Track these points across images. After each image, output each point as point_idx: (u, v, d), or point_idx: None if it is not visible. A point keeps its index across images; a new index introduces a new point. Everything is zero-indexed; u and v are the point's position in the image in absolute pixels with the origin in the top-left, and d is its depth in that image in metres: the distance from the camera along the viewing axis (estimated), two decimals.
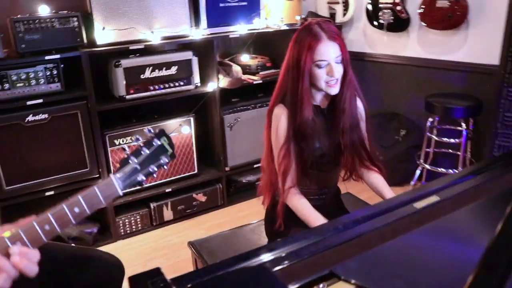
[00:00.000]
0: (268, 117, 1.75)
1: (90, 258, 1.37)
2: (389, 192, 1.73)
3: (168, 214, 3.04)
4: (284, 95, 1.69)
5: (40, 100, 2.51)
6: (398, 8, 3.21)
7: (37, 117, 2.51)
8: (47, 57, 2.48)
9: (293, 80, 1.64)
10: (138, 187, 2.86)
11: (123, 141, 2.79)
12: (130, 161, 1.13)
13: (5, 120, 2.45)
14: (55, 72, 2.52)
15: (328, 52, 1.59)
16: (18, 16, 2.42)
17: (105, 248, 2.82)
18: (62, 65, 2.54)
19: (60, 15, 2.49)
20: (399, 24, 3.27)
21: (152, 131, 1.18)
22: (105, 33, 2.62)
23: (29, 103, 2.49)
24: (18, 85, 2.45)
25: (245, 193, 3.32)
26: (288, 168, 1.66)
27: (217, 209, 3.22)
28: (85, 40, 2.58)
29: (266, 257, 1.06)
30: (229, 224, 2.67)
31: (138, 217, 2.95)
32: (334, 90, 1.64)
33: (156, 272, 0.97)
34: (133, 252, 2.78)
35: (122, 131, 2.79)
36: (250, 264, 1.04)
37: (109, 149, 2.76)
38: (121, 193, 1.11)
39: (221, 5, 2.95)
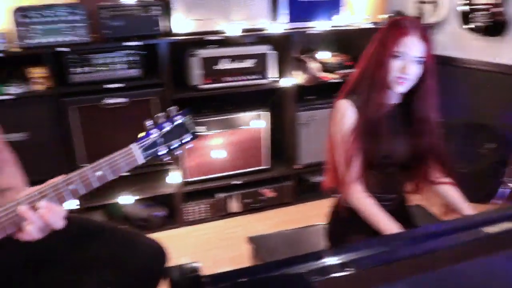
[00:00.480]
0: (333, 108, 1.68)
1: (135, 242, 1.39)
2: (468, 208, 1.60)
3: (234, 206, 3.05)
4: (355, 89, 1.61)
5: (121, 84, 2.61)
6: (497, 10, 2.96)
7: (116, 100, 2.61)
8: (128, 43, 2.56)
9: (370, 70, 1.57)
10: (204, 177, 2.91)
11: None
12: (151, 132, 1.16)
13: (88, 101, 2.59)
14: (135, 58, 2.61)
15: (411, 48, 1.50)
16: (104, 3, 2.53)
17: (170, 233, 2.89)
18: (144, 52, 2.62)
19: (143, 3, 2.57)
20: (495, 27, 3.02)
21: (176, 109, 1.21)
22: (184, 23, 2.66)
23: (109, 86, 2.60)
24: (101, 68, 2.57)
25: (314, 193, 3.24)
26: (352, 158, 1.57)
27: (284, 206, 3.17)
28: (164, 29, 2.64)
29: (314, 264, 1.01)
30: (294, 223, 2.62)
31: (204, 206, 2.98)
32: (401, 88, 1.54)
33: (194, 268, 0.95)
34: (195, 240, 2.82)
35: (195, 120, 2.81)
36: (295, 269, 1.00)
37: None
38: (140, 162, 1.14)
39: None
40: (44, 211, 1.04)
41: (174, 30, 2.68)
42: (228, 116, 2.88)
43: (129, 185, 2.85)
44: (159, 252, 1.38)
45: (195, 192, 2.95)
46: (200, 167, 2.91)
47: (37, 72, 2.53)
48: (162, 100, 2.69)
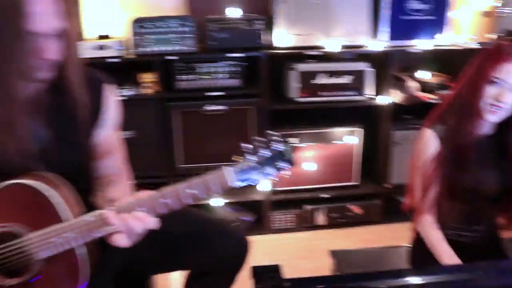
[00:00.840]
0: (418, 134, 1.66)
1: (223, 229, 1.48)
2: None
3: (320, 219, 3.07)
4: (444, 115, 1.58)
5: (221, 93, 2.77)
6: None
7: (215, 107, 2.77)
8: (230, 55, 2.71)
9: (464, 94, 1.53)
10: (293, 187, 2.97)
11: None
12: (247, 158, 1.16)
13: (190, 106, 2.78)
14: (236, 69, 2.75)
15: (511, 75, 1.43)
16: (212, 16, 2.71)
17: (255, 238, 2.95)
18: (245, 63, 2.76)
19: (247, 17, 2.72)
20: None
21: (275, 134, 1.19)
22: (285, 37, 2.76)
23: (211, 94, 2.76)
24: (204, 77, 2.75)
25: (403, 213, 3.16)
26: (428, 187, 1.55)
27: (371, 225, 3.13)
28: (266, 42, 2.75)
29: (393, 282, 1.02)
30: (379, 242, 2.59)
31: (290, 216, 3.04)
32: (493, 117, 1.48)
33: (276, 268, 1.01)
34: (279, 248, 2.88)
35: (289, 132, 2.89)
36: (373, 284, 1.02)
37: None
38: (232, 185, 1.16)
39: (404, 17, 2.85)
40: (135, 220, 1.12)
41: (275, 43, 2.78)
42: (322, 130, 2.92)
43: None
44: (242, 243, 1.46)
45: (283, 201, 3.02)
46: (291, 177, 2.97)
47: (147, 77, 2.75)
48: (259, 109, 2.80)
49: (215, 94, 2.77)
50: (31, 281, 1.17)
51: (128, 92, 2.75)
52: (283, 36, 2.77)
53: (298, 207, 3.06)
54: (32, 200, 1.13)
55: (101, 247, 1.22)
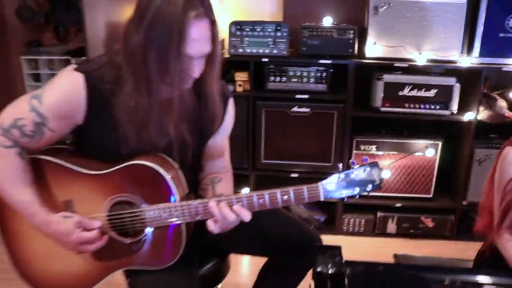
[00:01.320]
0: (501, 153, 1.66)
1: (300, 226, 1.63)
2: None
3: (391, 227, 3.13)
4: None
5: (306, 96, 2.92)
6: None
7: (300, 109, 2.93)
8: (320, 61, 2.86)
9: None
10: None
11: (368, 148, 2.99)
12: (339, 177, 1.29)
13: (277, 106, 2.96)
14: (324, 74, 2.89)
15: None
16: (306, 23, 2.87)
17: (325, 238, 3.08)
18: (331, 70, 2.89)
19: (339, 27, 2.85)
20: None
21: (368, 160, 1.32)
22: (374, 48, 2.85)
23: (298, 96, 2.93)
24: (292, 80, 2.92)
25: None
26: (510, 208, 1.57)
27: (442, 240, 3.13)
28: (355, 51, 2.86)
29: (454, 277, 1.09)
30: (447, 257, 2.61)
31: (363, 220, 3.13)
32: None
33: (337, 249, 1.16)
34: (347, 250, 2.94)
35: (370, 139, 2.99)
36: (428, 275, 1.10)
37: (354, 151, 3.00)
38: (321, 199, 1.30)
39: (501, 35, 2.81)
40: (232, 214, 1.31)
41: (366, 53, 2.88)
42: (402, 141, 2.97)
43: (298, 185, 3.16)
44: (316, 241, 1.60)
45: (357, 205, 3.11)
46: None
47: (241, 76, 2.98)
48: (342, 115, 2.92)
49: (301, 97, 2.93)
50: (140, 244, 1.41)
51: None
52: (373, 47, 2.86)
53: (370, 212, 3.14)
54: (151, 178, 1.35)
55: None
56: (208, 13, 1.26)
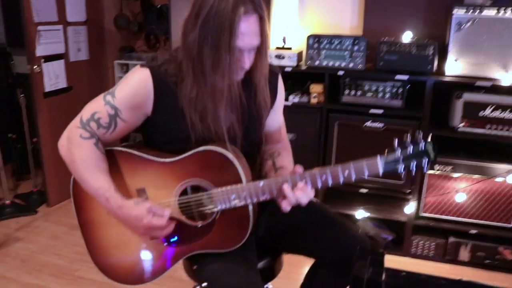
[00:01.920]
0: None
1: (344, 227, 1.63)
2: None
3: (464, 255, 2.96)
4: None
5: (381, 111, 2.88)
6: None
7: (374, 124, 2.89)
8: (397, 77, 2.81)
9: None
10: (440, 216, 2.93)
11: (443, 168, 2.87)
12: (396, 151, 1.37)
13: (350, 119, 2.95)
14: (400, 90, 2.84)
15: None
16: (385, 38, 2.84)
17: (391, 258, 3.02)
18: (408, 86, 2.83)
19: (419, 42, 2.78)
20: None
21: (421, 134, 1.40)
22: (455, 65, 2.75)
23: (372, 111, 2.90)
24: (367, 94, 2.90)
25: None
26: None
27: None
28: (434, 68, 2.78)
29: None
30: None
31: (433, 244, 3.00)
32: None
33: (380, 255, 1.14)
34: None
35: (445, 159, 2.86)
36: None
37: (427, 171, 2.90)
38: (380, 172, 1.37)
39: None
40: (297, 190, 1.38)
41: (446, 71, 2.79)
42: (482, 164, 2.82)
43: (368, 202, 3.12)
44: (365, 247, 1.58)
45: (427, 227, 2.99)
46: (439, 205, 2.94)
47: (316, 88, 3.01)
48: (417, 133, 2.83)
49: (376, 112, 2.89)
50: (209, 227, 1.48)
51: (295, 99, 3.05)
52: (453, 64, 2.76)
53: (442, 236, 3.00)
54: (220, 163, 1.44)
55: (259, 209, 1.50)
56: (257, 9, 1.34)
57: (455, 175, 2.86)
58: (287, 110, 3.01)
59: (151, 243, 1.53)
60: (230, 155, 1.42)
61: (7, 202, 3.57)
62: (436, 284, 1.06)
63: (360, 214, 3.06)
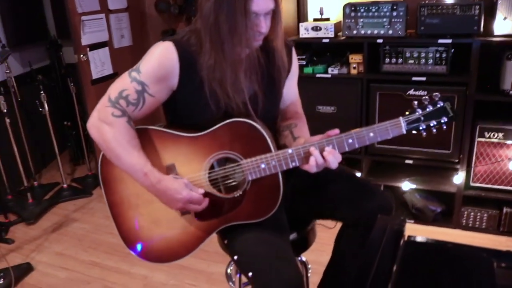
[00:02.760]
0: None
1: (371, 190, 1.62)
2: None
3: None
4: None
5: (424, 78, 2.76)
6: None
7: (417, 92, 2.78)
8: (440, 41, 2.67)
9: None
10: (492, 186, 2.80)
11: (493, 135, 2.72)
12: (416, 111, 1.41)
13: (392, 89, 2.85)
14: (444, 55, 2.70)
15: None
16: (425, 1, 2.70)
17: (440, 230, 2.93)
18: (452, 50, 2.68)
19: (463, 2, 2.61)
20: None
21: (439, 95, 1.43)
22: (504, 24, 2.58)
23: (414, 79, 2.78)
24: (409, 61, 2.78)
25: None
26: None
27: None
28: (481, 29, 2.61)
29: None
30: None
31: (485, 215, 2.87)
32: None
33: (401, 222, 1.11)
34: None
35: (495, 126, 2.71)
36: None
37: (476, 139, 2.75)
38: (403, 131, 1.41)
39: None
40: (327, 154, 1.39)
41: (495, 31, 2.62)
42: None
43: (414, 173, 3.02)
44: (387, 206, 1.57)
45: (479, 198, 2.86)
46: (490, 174, 2.79)
47: (355, 58, 2.92)
48: (464, 99, 2.70)
49: (419, 79, 2.77)
50: (240, 198, 1.50)
51: (334, 70, 2.98)
52: (502, 23, 2.59)
53: (495, 207, 2.86)
54: (248, 133, 1.45)
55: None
56: None
57: (508, 142, 2.70)
58: (327, 82, 3.00)
59: (183, 219, 1.55)
60: (258, 125, 1.43)
61: (65, 185, 3.76)
62: (469, 255, 1.01)
63: (407, 186, 2.97)
